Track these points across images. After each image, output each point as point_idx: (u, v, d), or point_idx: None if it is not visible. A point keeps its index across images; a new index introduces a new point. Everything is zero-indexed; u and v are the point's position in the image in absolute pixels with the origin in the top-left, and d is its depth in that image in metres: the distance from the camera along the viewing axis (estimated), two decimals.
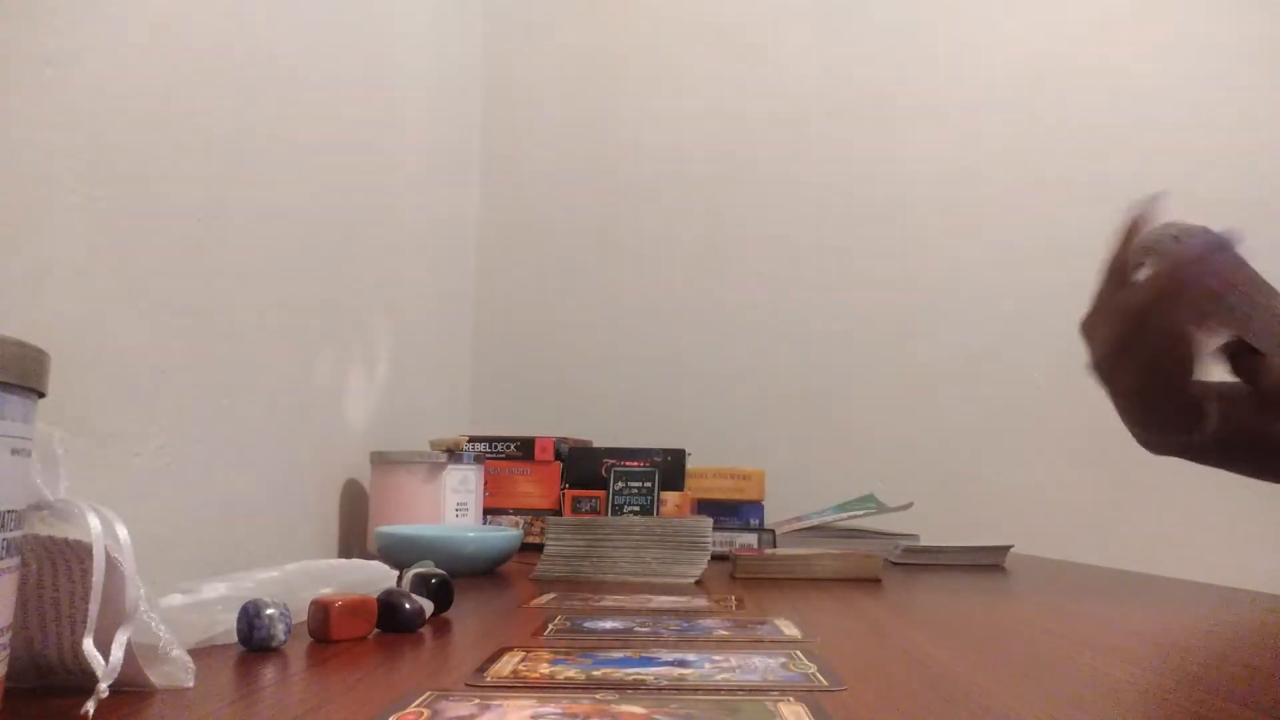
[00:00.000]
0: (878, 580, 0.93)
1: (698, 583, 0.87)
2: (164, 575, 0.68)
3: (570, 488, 1.24)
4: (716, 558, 1.04)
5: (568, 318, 1.74)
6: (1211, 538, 1.57)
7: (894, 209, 1.72)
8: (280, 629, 0.51)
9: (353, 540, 1.14)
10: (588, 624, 0.61)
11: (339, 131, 1.11)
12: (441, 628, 0.60)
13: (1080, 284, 1.89)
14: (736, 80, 1.76)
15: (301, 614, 0.55)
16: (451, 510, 1.09)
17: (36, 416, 0.35)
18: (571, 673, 0.45)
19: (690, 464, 1.27)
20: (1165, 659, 0.53)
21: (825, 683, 0.43)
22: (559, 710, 0.37)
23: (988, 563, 1.13)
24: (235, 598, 0.53)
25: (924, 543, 1.19)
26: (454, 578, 0.65)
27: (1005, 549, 1.16)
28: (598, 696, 0.40)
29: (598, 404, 1.68)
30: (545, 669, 0.46)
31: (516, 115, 1.78)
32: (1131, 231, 0.65)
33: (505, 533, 0.96)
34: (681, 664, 0.47)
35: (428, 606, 0.60)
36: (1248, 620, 0.74)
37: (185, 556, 0.78)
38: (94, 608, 0.37)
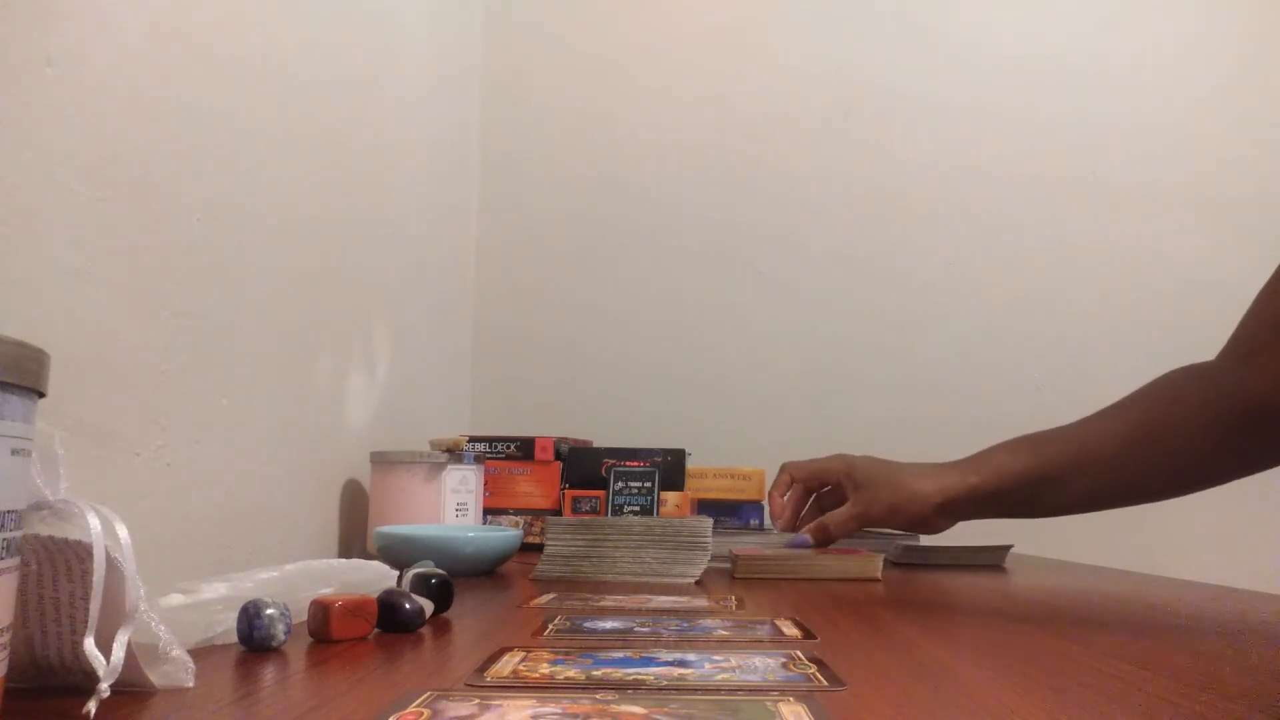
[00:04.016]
0: (878, 580, 0.93)
1: (698, 583, 0.87)
2: (164, 575, 0.68)
3: (570, 488, 1.24)
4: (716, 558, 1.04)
5: (568, 317, 1.74)
6: (1212, 537, 1.57)
7: (894, 209, 1.72)
8: (280, 629, 0.51)
9: (353, 540, 1.14)
10: (588, 624, 0.61)
11: (339, 131, 1.11)
12: (441, 628, 0.60)
13: (1081, 284, 1.89)
14: (736, 79, 1.76)
15: (301, 614, 0.55)
16: (451, 510, 1.09)
17: (36, 416, 0.35)
18: (571, 673, 0.45)
19: (690, 464, 1.27)
20: (1166, 658, 0.53)
21: (825, 683, 0.43)
22: (559, 710, 0.37)
23: (988, 563, 1.13)
24: (235, 598, 0.53)
25: (924, 543, 1.19)
26: (454, 578, 0.65)
27: (1005, 549, 1.16)
28: (598, 696, 0.40)
29: (598, 404, 1.68)
30: (545, 669, 0.46)
31: (516, 115, 1.78)
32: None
33: (505, 533, 0.96)
34: (681, 664, 0.47)
35: (428, 606, 0.60)
36: (1248, 620, 0.74)
37: (185, 556, 0.78)
38: (95, 608, 0.37)
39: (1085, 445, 0.84)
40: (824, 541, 0.96)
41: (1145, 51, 1.72)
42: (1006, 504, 0.87)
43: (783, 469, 1.05)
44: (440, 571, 0.65)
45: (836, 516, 0.94)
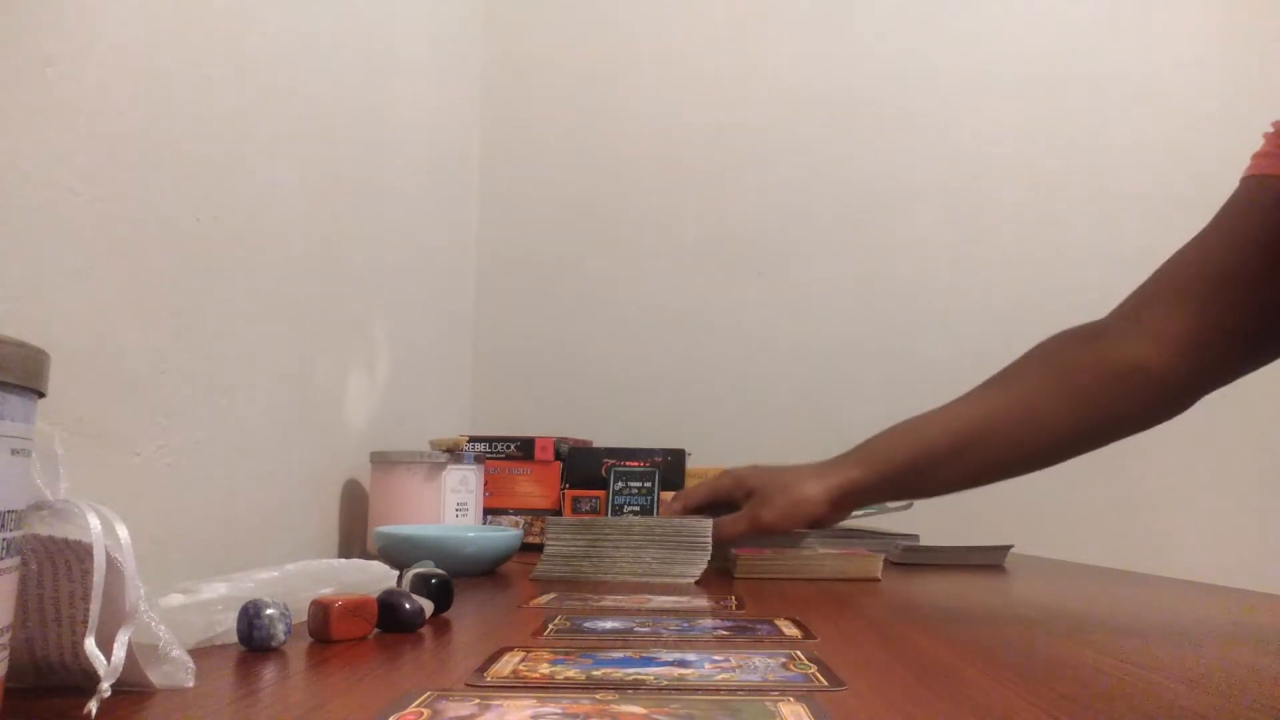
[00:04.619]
0: (878, 580, 0.93)
1: (697, 583, 0.87)
2: (164, 575, 0.68)
3: (570, 488, 1.24)
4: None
5: (568, 318, 1.74)
6: (1212, 538, 1.57)
7: (894, 209, 1.72)
8: (280, 629, 0.51)
9: (353, 540, 1.14)
10: (587, 624, 0.61)
11: (339, 130, 1.11)
12: (441, 628, 0.60)
13: (1081, 286, 1.90)
14: (736, 84, 1.76)
15: (301, 614, 0.55)
16: (451, 510, 1.09)
17: (36, 416, 0.35)
18: (571, 673, 0.45)
19: (690, 464, 1.27)
20: (1166, 659, 0.53)
21: (825, 683, 0.43)
22: (559, 710, 0.37)
23: (988, 563, 1.13)
24: (235, 598, 0.53)
25: (924, 543, 1.19)
26: (454, 578, 0.65)
27: (1005, 549, 1.16)
28: (598, 696, 0.40)
29: (598, 404, 1.68)
30: (545, 669, 0.46)
31: (517, 114, 1.78)
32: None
33: (505, 533, 0.96)
34: (681, 664, 0.47)
35: (428, 606, 0.60)
36: (1249, 621, 0.74)
37: (185, 556, 0.78)
38: (95, 608, 0.37)
39: (966, 427, 0.86)
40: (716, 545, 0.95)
41: (1145, 50, 1.72)
42: (894, 489, 0.90)
43: (675, 497, 1.05)
44: (440, 571, 0.65)
45: (728, 520, 0.96)
